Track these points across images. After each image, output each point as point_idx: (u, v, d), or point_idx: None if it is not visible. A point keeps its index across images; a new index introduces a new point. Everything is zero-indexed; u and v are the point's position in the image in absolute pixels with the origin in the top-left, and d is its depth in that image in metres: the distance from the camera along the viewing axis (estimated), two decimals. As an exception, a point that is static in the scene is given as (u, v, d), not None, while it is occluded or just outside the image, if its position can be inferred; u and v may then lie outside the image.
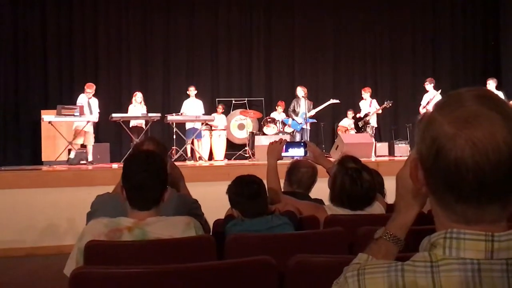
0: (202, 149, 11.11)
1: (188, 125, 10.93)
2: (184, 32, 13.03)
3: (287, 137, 10.32)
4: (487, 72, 12.67)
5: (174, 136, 10.55)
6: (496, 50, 13.68)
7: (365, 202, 2.87)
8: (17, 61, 11.90)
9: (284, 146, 3.37)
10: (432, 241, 0.95)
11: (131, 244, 2.13)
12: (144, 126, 10.38)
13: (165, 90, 12.92)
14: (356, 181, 2.81)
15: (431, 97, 10.86)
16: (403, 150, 11.10)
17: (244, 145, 11.63)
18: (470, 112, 0.91)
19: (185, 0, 12.99)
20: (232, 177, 2.92)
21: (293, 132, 11.14)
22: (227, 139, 11.92)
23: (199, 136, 10.95)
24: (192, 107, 11.00)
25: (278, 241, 2.44)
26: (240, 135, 12.39)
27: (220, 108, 11.91)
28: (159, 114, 10.26)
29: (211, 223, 2.99)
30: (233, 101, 12.83)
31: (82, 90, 10.08)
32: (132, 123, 10.43)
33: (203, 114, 10.89)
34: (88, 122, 9.74)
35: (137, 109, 10.53)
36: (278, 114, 11.71)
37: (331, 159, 3.95)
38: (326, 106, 11.46)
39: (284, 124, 11.33)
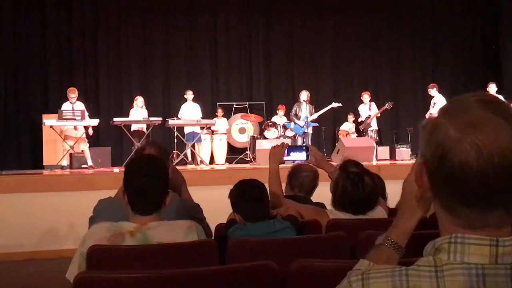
0: (202, 152, 11.11)
1: (187, 129, 10.93)
2: (184, 36, 13.05)
3: (289, 141, 10.33)
4: (488, 76, 12.68)
5: (175, 140, 10.56)
6: (496, 54, 13.68)
7: (367, 206, 2.87)
8: (17, 65, 11.91)
9: (286, 150, 3.37)
10: (437, 245, 0.96)
11: (134, 248, 2.13)
12: (145, 130, 10.39)
13: (166, 94, 12.94)
14: (358, 185, 2.81)
15: (436, 101, 10.86)
16: (404, 154, 11.08)
17: (245, 149, 11.63)
18: (475, 117, 0.91)
19: (184, 4, 13.02)
20: (233, 181, 2.92)
21: (294, 136, 11.14)
22: (228, 143, 11.93)
23: (198, 139, 10.95)
24: (189, 111, 11.00)
25: (280, 245, 2.43)
26: (241, 139, 12.40)
27: (219, 112, 11.91)
28: (160, 118, 10.27)
29: (213, 227, 2.99)
30: (234, 105, 12.84)
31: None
32: (133, 127, 10.45)
33: (202, 118, 10.90)
34: (89, 126, 9.78)
35: (138, 113, 10.54)
36: (279, 118, 11.71)
37: (332, 163, 3.95)
38: (328, 110, 11.44)
39: (285, 128, 11.32)
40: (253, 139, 11.03)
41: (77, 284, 1.70)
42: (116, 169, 8.95)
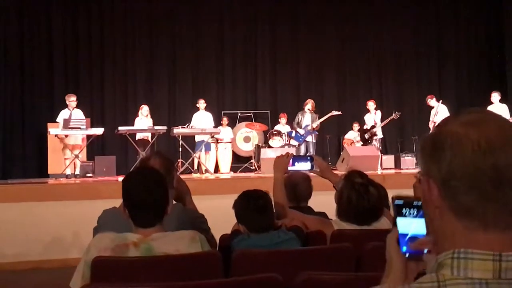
0: (209, 161, 11.12)
1: (198, 138, 10.95)
2: (189, 45, 13.10)
3: (293, 150, 10.32)
4: (492, 85, 12.65)
5: (180, 149, 10.57)
6: (501, 63, 13.66)
7: (372, 217, 2.85)
8: (23, 74, 11.97)
9: (291, 160, 3.36)
10: (439, 261, 0.95)
11: (138, 260, 2.13)
12: (150, 139, 10.41)
13: (171, 103, 12.97)
14: (363, 196, 2.80)
15: (436, 110, 10.88)
16: (409, 162, 11.05)
17: (250, 158, 11.63)
18: (476, 117, 0.97)
19: (190, 14, 13.07)
20: (238, 190, 2.91)
21: (299, 144, 11.13)
22: (233, 152, 11.94)
23: (208, 148, 10.96)
24: (201, 120, 11.02)
25: (285, 256, 2.43)
26: (246, 148, 12.40)
27: (224, 121, 11.92)
28: (165, 127, 10.29)
29: (217, 237, 2.98)
30: (239, 114, 12.86)
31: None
32: (138, 136, 10.47)
33: (214, 127, 10.93)
34: (93, 135, 9.82)
35: (143, 122, 10.56)
36: (283, 126, 11.72)
37: (337, 172, 3.94)
38: (329, 119, 11.43)
39: (289, 136, 11.32)
40: (258, 148, 11.03)
41: (82, 297, 1.69)
42: (120, 178, 8.95)
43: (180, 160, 10.51)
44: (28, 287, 5.81)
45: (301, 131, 11.04)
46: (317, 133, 11.40)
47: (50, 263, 6.52)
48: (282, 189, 3.25)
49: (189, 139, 11.03)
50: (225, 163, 11.46)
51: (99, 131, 9.86)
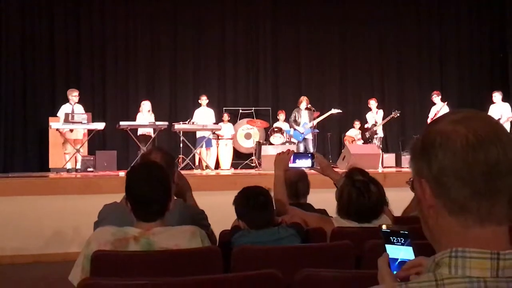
0: (210, 157, 11.12)
1: (199, 134, 10.96)
2: (191, 42, 13.08)
3: (294, 147, 10.32)
4: (494, 84, 12.64)
5: (181, 145, 10.57)
6: (504, 62, 13.64)
7: (372, 215, 2.86)
8: (25, 68, 11.96)
9: (292, 157, 3.36)
10: (437, 260, 0.96)
11: (138, 254, 2.13)
12: (152, 134, 10.41)
13: (172, 99, 12.96)
14: (363, 193, 2.80)
15: (438, 109, 10.87)
16: (410, 161, 11.02)
17: (250, 155, 11.63)
18: (463, 115, 0.99)
19: (192, 11, 13.04)
20: (238, 186, 2.92)
21: (298, 142, 11.11)
22: (234, 148, 11.94)
23: (209, 144, 10.96)
24: (203, 116, 11.02)
25: (285, 253, 2.43)
26: (247, 145, 12.40)
27: (225, 117, 11.93)
28: (166, 123, 10.29)
29: (217, 233, 2.98)
30: (240, 111, 12.85)
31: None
32: (140, 131, 10.46)
33: (214, 123, 10.92)
34: (94, 130, 9.84)
35: (145, 117, 10.55)
36: (282, 123, 11.71)
37: (338, 170, 3.93)
38: (329, 116, 11.42)
39: (288, 135, 11.29)
40: (259, 145, 11.02)
41: (81, 291, 1.70)
42: (121, 173, 8.96)
43: (181, 156, 10.52)
44: (28, 280, 5.82)
45: (300, 129, 11.01)
46: (317, 131, 11.39)
47: (50, 257, 6.52)
48: (282, 186, 3.25)
49: (190, 135, 11.04)
50: (226, 160, 11.46)
51: (100, 125, 9.86)
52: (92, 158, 9.82)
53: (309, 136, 11.11)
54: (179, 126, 10.38)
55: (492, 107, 10.84)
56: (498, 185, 0.94)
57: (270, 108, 13.09)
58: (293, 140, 11.14)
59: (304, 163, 3.42)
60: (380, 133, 11.37)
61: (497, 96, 10.92)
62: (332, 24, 13.66)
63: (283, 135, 11.20)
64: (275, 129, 11.34)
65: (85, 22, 12.44)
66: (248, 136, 12.48)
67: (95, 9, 12.54)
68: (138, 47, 12.81)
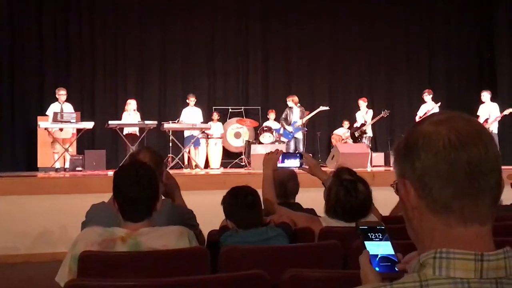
0: (199, 157, 11.10)
1: (187, 133, 10.93)
2: (180, 40, 13.05)
3: (283, 146, 10.32)
4: (482, 83, 12.73)
5: (170, 144, 10.55)
6: (491, 62, 13.72)
7: (360, 214, 2.85)
8: (13, 67, 11.88)
9: (280, 157, 3.36)
10: (422, 261, 0.96)
11: (125, 255, 2.13)
12: (138, 133, 10.36)
13: (161, 98, 12.94)
14: (351, 193, 2.81)
15: (429, 109, 10.88)
16: (399, 160, 11.05)
17: (240, 154, 11.63)
18: (444, 115, 1.01)
19: (182, 8, 13.02)
20: (228, 185, 2.92)
21: (289, 141, 11.11)
22: (223, 147, 11.93)
23: (197, 144, 10.95)
24: (191, 116, 11.00)
25: (273, 253, 2.43)
26: (236, 144, 12.39)
27: (215, 116, 11.92)
28: (155, 122, 10.25)
29: (206, 232, 2.98)
30: (230, 110, 12.85)
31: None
32: (126, 130, 10.38)
33: (202, 122, 10.90)
34: (83, 129, 9.79)
35: (131, 116, 10.51)
36: (272, 122, 11.71)
37: (327, 169, 3.95)
38: (318, 114, 11.42)
39: (278, 134, 11.29)
40: (248, 144, 11.01)
41: (68, 292, 1.69)
42: (110, 172, 8.92)
43: (170, 155, 10.50)
44: (16, 280, 5.78)
45: (289, 128, 11.00)
46: (306, 129, 11.39)
47: (39, 257, 6.48)
48: (271, 185, 3.25)
49: (180, 134, 11.02)
50: (215, 159, 11.46)
51: (89, 125, 9.81)
52: (81, 158, 9.77)
53: (299, 136, 11.09)
54: (168, 125, 10.35)
55: (481, 106, 10.89)
56: (481, 185, 0.94)
57: (259, 107, 13.10)
58: (282, 139, 11.14)
59: (292, 163, 3.43)
60: (369, 133, 11.40)
61: (485, 95, 10.98)
62: (322, 23, 13.67)
63: (272, 134, 11.19)
64: (265, 128, 11.33)
65: (74, 20, 12.37)
66: (237, 135, 12.48)
67: (84, 7, 12.48)
68: (127, 45, 12.76)
